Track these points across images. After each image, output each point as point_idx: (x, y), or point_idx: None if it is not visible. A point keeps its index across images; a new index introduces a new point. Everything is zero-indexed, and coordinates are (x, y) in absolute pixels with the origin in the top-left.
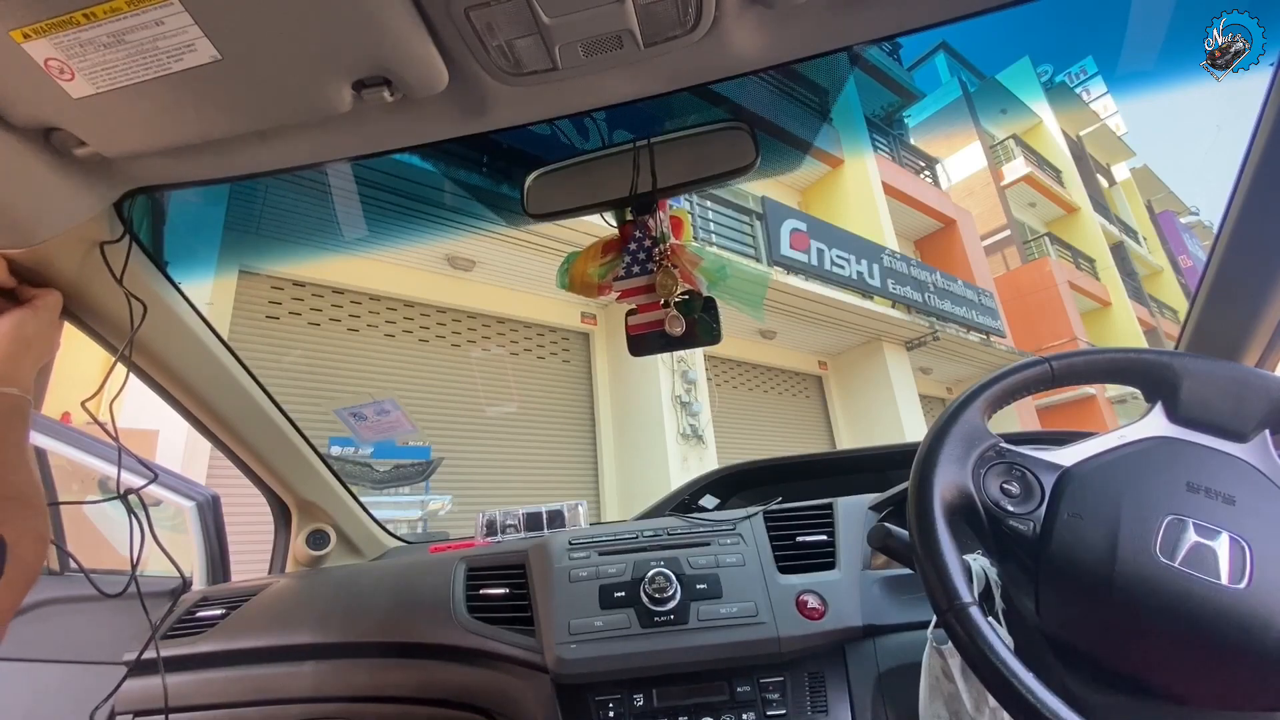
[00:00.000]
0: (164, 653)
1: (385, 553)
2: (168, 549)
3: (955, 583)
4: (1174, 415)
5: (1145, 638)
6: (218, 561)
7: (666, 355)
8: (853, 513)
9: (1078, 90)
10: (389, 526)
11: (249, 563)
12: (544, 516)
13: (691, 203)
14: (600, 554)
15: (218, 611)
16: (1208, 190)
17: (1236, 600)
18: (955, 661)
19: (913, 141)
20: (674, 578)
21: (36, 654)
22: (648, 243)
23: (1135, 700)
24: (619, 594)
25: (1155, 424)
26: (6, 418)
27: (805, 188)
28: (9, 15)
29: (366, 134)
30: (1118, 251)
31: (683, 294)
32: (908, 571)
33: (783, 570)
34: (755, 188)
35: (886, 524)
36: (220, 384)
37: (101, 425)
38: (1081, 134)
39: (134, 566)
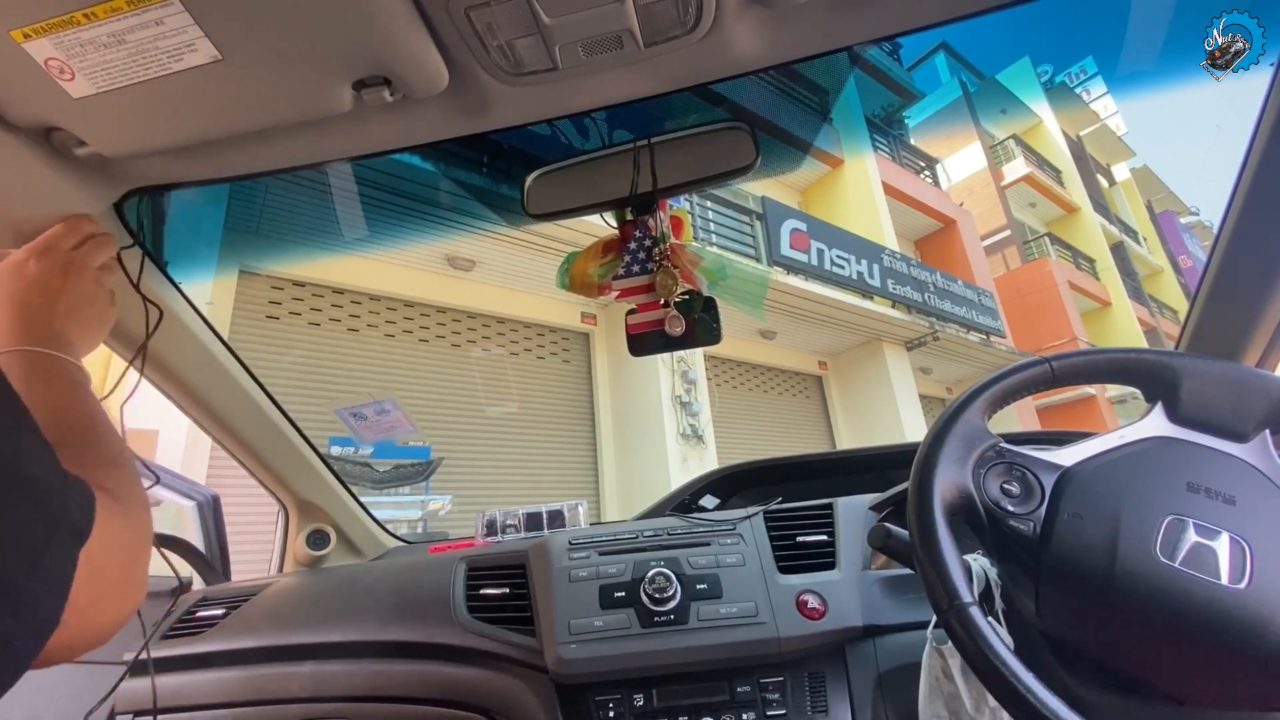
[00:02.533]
0: (164, 653)
1: (385, 553)
2: (166, 549)
3: (955, 582)
4: (1174, 415)
5: (1145, 638)
6: (218, 561)
7: (666, 355)
8: (853, 513)
9: (1078, 90)
10: (389, 526)
11: (248, 563)
12: (544, 516)
13: (691, 203)
14: (600, 554)
15: (218, 611)
16: (1208, 190)
17: (1236, 600)
18: (955, 661)
19: (913, 141)
20: (674, 578)
21: None
22: (648, 243)
23: (1135, 700)
24: (619, 594)
25: (1155, 424)
26: (70, 386)
27: (805, 188)
28: (9, 15)
29: (366, 134)
30: (1118, 251)
31: (683, 294)
32: (908, 571)
33: (783, 570)
34: (755, 188)
35: (886, 524)
36: (220, 384)
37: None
38: (1081, 134)
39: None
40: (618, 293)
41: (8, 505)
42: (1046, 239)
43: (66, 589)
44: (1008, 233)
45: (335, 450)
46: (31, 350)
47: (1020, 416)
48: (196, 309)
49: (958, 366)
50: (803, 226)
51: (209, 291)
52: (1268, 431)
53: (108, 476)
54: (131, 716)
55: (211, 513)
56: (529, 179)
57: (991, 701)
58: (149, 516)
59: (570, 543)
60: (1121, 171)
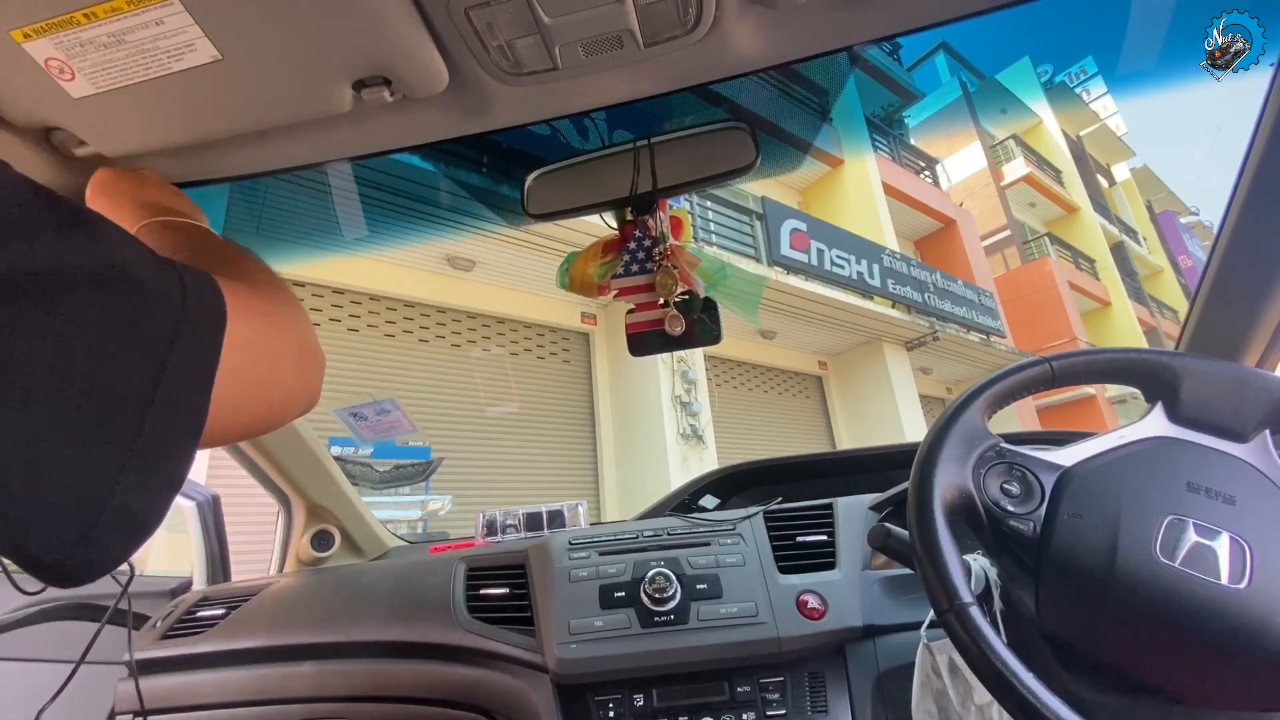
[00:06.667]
0: (164, 653)
1: (385, 553)
2: (168, 549)
3: (955, 582)
4: (1174, 415)
5: (1145, 637)
6: (218, 561)
7: (666, 355)
8: (853, 513)
9: (1078, 90)
10: (389, 526)
11: (249, 562)
12: (544, 516)
13: (691, 203)
14: (600, 554)
15: (218, 611)
16: (1208, 190)
17: (1236, 600)
18: (943, 658)
19: (913, 141)
20: (674, 578)
21: (36, 654)
22: (648, 243)
23: (1135, 700)
24: (619, 594)
25: (1155, 424)
26: (201, 234)
27: (805, 188)
28: (9, 15)
29: (366, 134)
30: (1118, 251)
31: (683, 294)
32: (908, 571)
33: (783, 570)
34: (755, 188)
35: (886, 524)
36: None
37: None
38: (1081, 134)
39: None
40: (617, 292)
41: (104, 307)
42: (1046, 239)
43: (206, 382)
44: (1008, 233)
45: (335, 450)
46: (158, 220)
47: (1020, 416)
48: None
49: (958, 366)
50: (803, 226)
51: None
52: (1268, 431)
53: (233, 270)
54: (132, 716)
55: (211, 513)
56: (529, 179)
57: (977, 698)
58: (295, 299)
59: (570, 543)
60: (1121, 171)
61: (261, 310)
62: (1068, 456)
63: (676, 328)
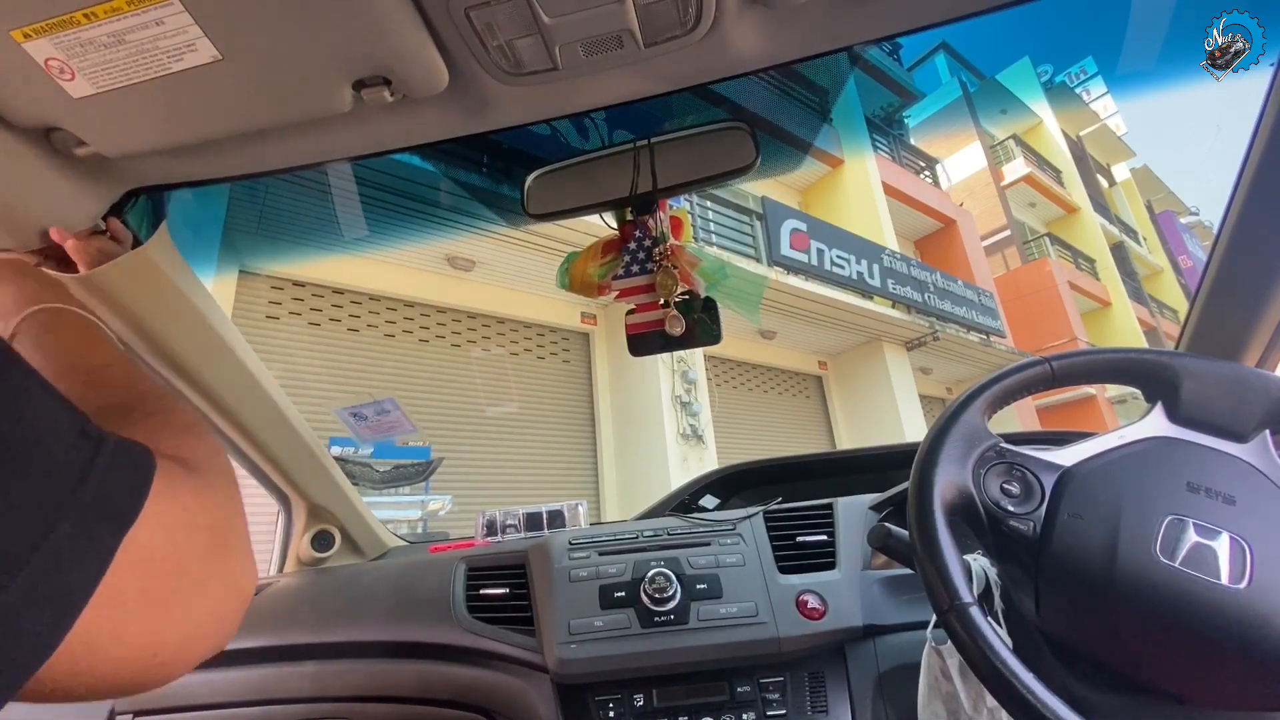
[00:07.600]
0: None
1: (385, 552)
2: None
3: (955, 582)
4: (1174, 415)
5: (1145, 638)
6: None
7: (666, 355)
8: (853, 513)
9: (1078, 90)
10: (389, 526)
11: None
12: (544, 516)
13: (691, 203)
14: (600, 554)
15: None
16: (1208, 190)
17: (1236, 600)
18: (954, 661)
19: (913, 141)
20: (674, 578)
21: None
22: (648, 243)
23: (1135, 700)
24: (619, 594)
25: (1155, 424)
26: (97, 338)
27: (805, 188)
28: (9, 15)
29: (366, 134)
30: (1118, 251)
31: (683, 294)
32: (908, 571)
33: (783, 570)
34: (755, 188)
35: (886, 524)
36: (243, 385)
37: None
38: (1081, 134)
39: None
40: (617, 292)
41: None
42: (1046, 239)
43: (74, 599)
44: (1008, 233)
45: (335, 450)
46: (46, 308)
47: (1020, 416)
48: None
49: (958, 366)
50: (803, 226)
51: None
52: (1268, 431)
53: (180, 443)
54: (132, 716)
55: None
56: (529, 179)
57: (989, 701)
58: (239, 492)
59: (570, 543)
60: (1121, 171)
61: (186, 504)
62: (1068, 456)
63: (676, 328)
